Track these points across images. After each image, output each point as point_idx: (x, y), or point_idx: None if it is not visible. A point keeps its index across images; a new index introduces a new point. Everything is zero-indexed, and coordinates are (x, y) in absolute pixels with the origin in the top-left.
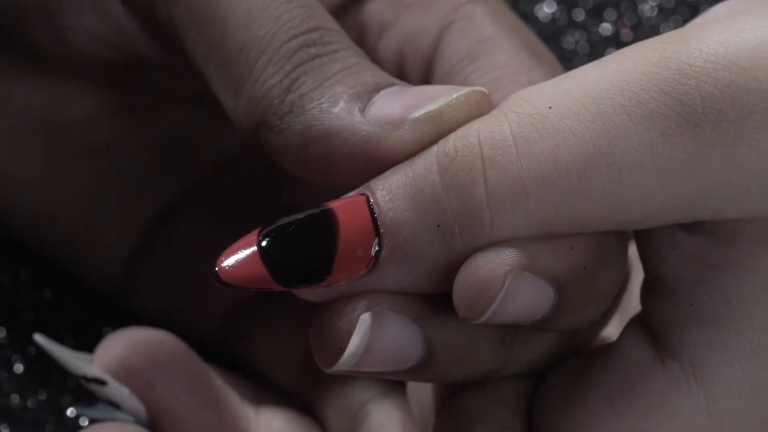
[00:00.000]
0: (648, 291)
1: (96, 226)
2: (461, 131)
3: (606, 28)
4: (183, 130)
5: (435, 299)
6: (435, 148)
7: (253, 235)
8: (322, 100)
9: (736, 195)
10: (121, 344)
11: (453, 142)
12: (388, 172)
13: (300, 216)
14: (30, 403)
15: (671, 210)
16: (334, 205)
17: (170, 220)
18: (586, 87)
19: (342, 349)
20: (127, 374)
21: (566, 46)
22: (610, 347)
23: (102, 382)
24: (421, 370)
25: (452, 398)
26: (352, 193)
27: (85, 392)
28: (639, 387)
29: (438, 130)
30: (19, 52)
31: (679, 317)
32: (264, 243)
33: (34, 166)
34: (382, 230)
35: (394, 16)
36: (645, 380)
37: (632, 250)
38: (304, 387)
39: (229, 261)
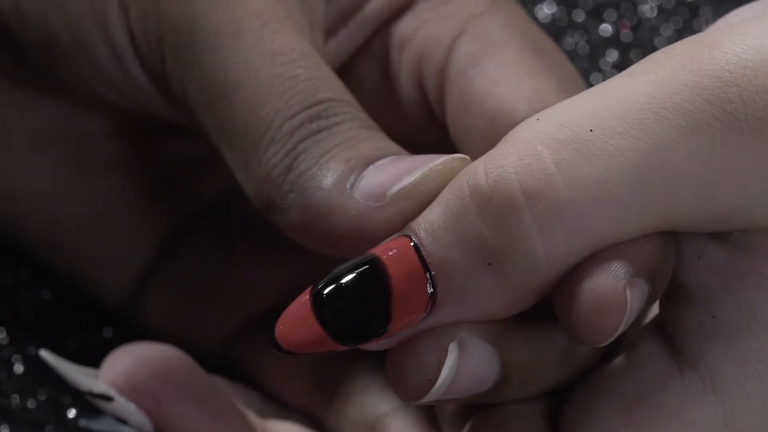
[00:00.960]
0: (669, 298)
1: (108, 241)
2: (491, 163)
3: (606, 28)
4: (197, 152)
5: (504, 320)
6: (465, 187)
7: (305, 298)
8: (319, 178)
9: None
10: (126, 359)
11: (486, 180)
12: (427, 211)
13: (348, 269)
14: (30, 404)
15: (716, 218)
16: (379, 252)
17: (181, 238)
18: (628, 102)
19: (432, 381)
20: (133, 389)
21: (566, 47)
22: (627, 355)
23: (108, 398)
24: (494, 392)
25: (480, 407)
26: (394, 236)
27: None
28: (655, 397)
29: (416, 203)
30: (43, 77)
31: (700, 327)
32: (319, 307)
33: (52, 178)
34: (433, 272)
35: (413, 30)
36: (662, 390)
37: None
38: (314, 403)
39: (287, 328)
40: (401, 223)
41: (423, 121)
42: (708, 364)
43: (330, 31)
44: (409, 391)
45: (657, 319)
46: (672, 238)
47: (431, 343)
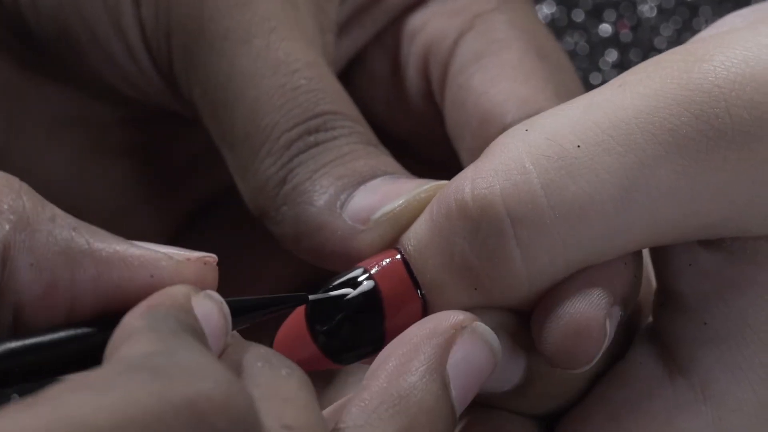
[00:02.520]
0: (661, 305)
1: (123, 225)
2: (479, 182)
3: (605, 28)
4: (211, 141)
5: None
6: (453, 206)
7: (300, 317)
8: (311, 194)
9: (764, 213)
10: None
11: (473, 202)
12: (417, 225)
13: (341, 287)
14: None
15: (704, 229)
16: (371, 269)
17: (195, 224)
18: (615, 117)
19: None
20: None
21: (566, 46)
22: (619, 363)
23: None
24: (512, 396)
25: (475, 407)
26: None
27: None
28: (646, 404)
29: (397, 229)
30: (61, 66)
31: (691, 334)
32: (314, 330)
33: (70, 162)
34: (423, 291)
35: (422, 23)
36: (652, 398)
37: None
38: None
39: (284, 347)
40: (383, 247)
41: (427, 113)
42: (699, 371)
43: (343, 27)
44: None
45: (649, 327)
46: (641, 262)
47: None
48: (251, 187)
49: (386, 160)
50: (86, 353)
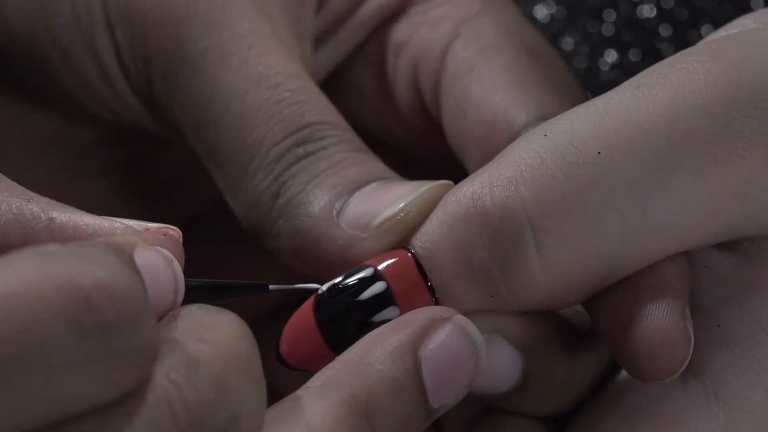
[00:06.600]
0: None
1: None
2: (499, 189)
3: (605, 28)
4: (192, 157)
5: (542, 330)
6: (471, 211)
7: (308, 312)
8: (306, 205)
9: None
10: None
11: (493, 207)
12: (428, 226)
13: (354, 289)
14: None
15: (725, 229)
16: (382, 268)
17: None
18: (633, 121)
19: None
20: None
21: (565, 46)
22: None
23: None
24: (509, 398)
25: (484, 412)
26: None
27: None
28: (658, 406)
29: (400, 233)
30: (36, 88)
31: (705, 337)
32: (324, 325)
33: (50, 183)
34: (437, 296)
35: (408, 34)
36: (665, 400)
37: None
38: None
39: (292, 346)
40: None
41: (421, 124)
42: (711, 374)
43: (320, 39)
44: None
45: None
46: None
47: None
48: (244, 204)
49: (377, 166)
50: None
